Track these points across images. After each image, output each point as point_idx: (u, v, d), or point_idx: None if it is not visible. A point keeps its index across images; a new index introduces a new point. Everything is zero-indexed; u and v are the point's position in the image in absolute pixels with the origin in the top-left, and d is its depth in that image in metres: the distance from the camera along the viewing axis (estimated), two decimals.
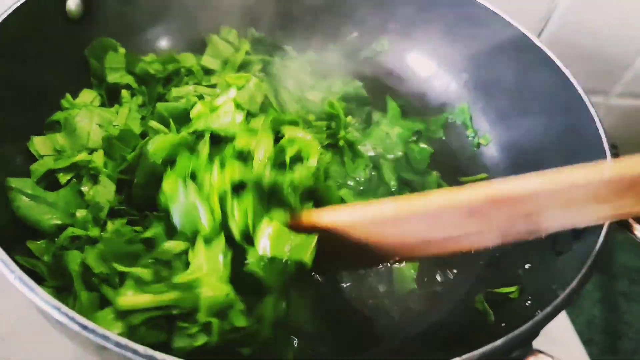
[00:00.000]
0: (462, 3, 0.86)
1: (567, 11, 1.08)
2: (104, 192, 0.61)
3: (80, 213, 0.58)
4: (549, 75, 0.75)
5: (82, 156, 0.64)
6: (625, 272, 1.13)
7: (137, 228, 0.59)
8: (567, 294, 0.48)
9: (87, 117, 0.67)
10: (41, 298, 0.41)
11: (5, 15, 0.63)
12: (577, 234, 0.61)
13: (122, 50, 0.80)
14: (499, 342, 0.43)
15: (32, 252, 0.57)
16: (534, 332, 0.45)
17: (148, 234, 0.56)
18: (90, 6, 0.76)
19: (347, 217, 0.54)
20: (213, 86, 0.80)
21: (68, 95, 0.74)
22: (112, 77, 0.76)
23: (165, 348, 0.45)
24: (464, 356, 0.42)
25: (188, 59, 0.86)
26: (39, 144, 0.65)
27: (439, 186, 0.81)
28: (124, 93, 0.75)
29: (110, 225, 0.58)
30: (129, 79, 0.78)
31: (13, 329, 0.70)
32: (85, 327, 0.40)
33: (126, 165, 0.63)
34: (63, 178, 0.63)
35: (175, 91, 0.75)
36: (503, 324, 0.61)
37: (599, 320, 1.07)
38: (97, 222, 0.59)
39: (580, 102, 0.68)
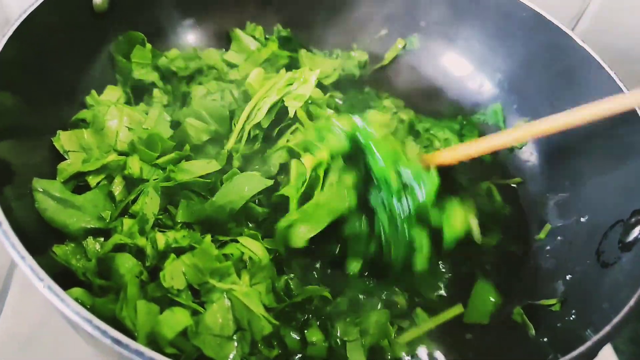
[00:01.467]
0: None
1: (601, 11, 1.05)
2: (151, 204, 0.59)
3: (127, 223, 0.57)
4: (590, 75, 0.72)
5: (113, 157, 0.62)
6: None
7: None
8: (626, 312, 0.45)
9: (117, 117, 0.65)
10: (72, 309, 0.39)
11: (32, 9, 0.62)
12: (626, 246, 0.58)
13: (148, 45, 0.78)
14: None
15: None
16: (594, 352, 0.42)
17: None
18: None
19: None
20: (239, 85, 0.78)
21: (93, 92, 0.72)
22: (138, 73, 0.74)
23: None
24: None
25: (212, 56, 0.84)
26: (65, 139, 0.63)
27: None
28: (156, 93, 0.73)
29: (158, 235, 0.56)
30: (154, 76, 0.76)
31: (35, 332, 0.69)
32: (117, 342, 0.38)
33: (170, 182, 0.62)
34: (93, 180, 0.61)
35: (196, 90, 0.73)
36: (545, 339, 0.59)
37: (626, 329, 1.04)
38: (143, 232, 0.57)
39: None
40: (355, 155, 0.62)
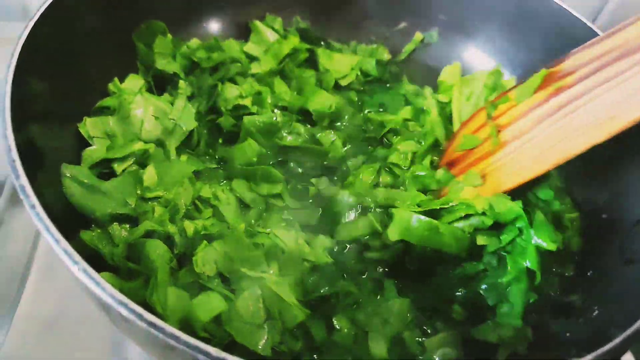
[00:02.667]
0: None
1: (619, 8, 1.04)
2: (184, 194, 0.60)
3: (158, 211, 0.58)
4: None
5: (139, 146, 0.62)
6: None
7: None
8: None
9: (142, 106, 0.66)
10: (107, 292, 0.39)
11: None
12: None
13: (169, 36, 0.78)
14: (589, 357, 0.41)
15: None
16: (624, 348, 0.42)
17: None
18: None
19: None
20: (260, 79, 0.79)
21: (116, 80, 0.72)
22: (160, 63, 0.74)
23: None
24: None
25: (232, 47, 0.84)
26: (90, 125, 0.63)
27: None
28: (182, 84, 0.73)
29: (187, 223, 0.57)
30: (176, 67, 0.76)
31: (55, 316, 0.69)
32: (153, 325, 0.38)
33: None
34: (119, 167, 0.61)
35: (228, 90, 0.73)
36: (568, 334, 0.58)
37: None
38: (173, 221, 0.57)
39: None
40: None
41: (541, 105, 0.58)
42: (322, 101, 0.75)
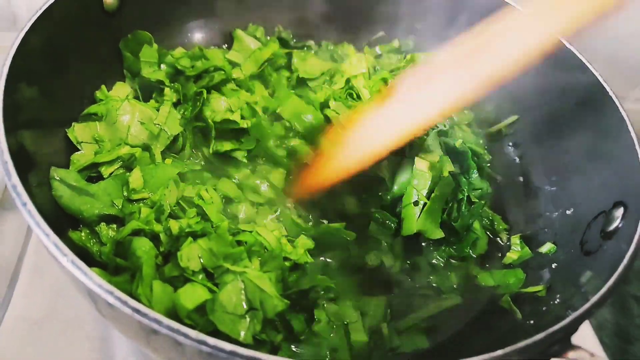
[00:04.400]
0: (490, 5, 0.86)
1: None
2: (169, 195, 0.63)
3: (144, 212, 0.61)
4: (580, 78, 0.76)
5: (126, 150, 0.65)
6: (638, 276, 1.13)
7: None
8: (604, 292, 0.49)
9: (129, 112, 0.69)
10: (94, 282, 0.42)
11: (46, 6, 0.64)
12: (607, 235, 0.62)
13: (155, 45, 0.81)
14: (540, 335, 0.44)
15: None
16: (573, 327, 0.46)
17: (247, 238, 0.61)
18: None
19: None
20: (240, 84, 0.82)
21: (103, 87, 0.75)
22: (146, 71, 0.77)
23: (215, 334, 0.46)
24: (507, 349, 0.43)
25: (215, 55, 0.87)
26: (79, 131, 0.67)
27: None
28: (167, 91, 0.76)
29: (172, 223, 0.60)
30: (161, 75, 0.79)
31: (44, 316, 0.72)
32: (137, 311, 0.41)
33: None
34: (106, 171, 0.65)
35: (216, 102, 0.76)
36: (532, 321, 0.62)
37: (611, 323, 1.07)
38: (159, 221, 0.61)
39: (612, 107, 0.69)
40: None
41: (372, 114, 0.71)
42: (293, 109, 0.78)
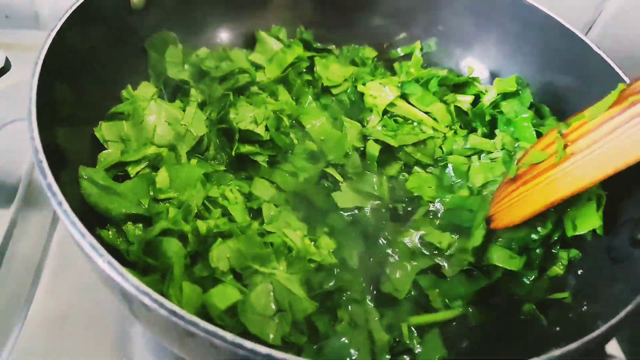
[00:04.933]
0: (514, 5, 0.86)
1: (612, 20, 1.08)
2: (196, 196, 0.63)
3: (172, 212, 0.61)
4: (606, 81, 0.75)
5: (152, 150, 0.65)
6: None
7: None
8: (635, 304, 0.48)
9: (155, 113, 0.69)
10: (131, 283, 0.42)
11: (77, 5, 0.65)
12: (637, 242, 0.61)
13: (179, 45, 0.81)
14: (574, 344, 0.44)
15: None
16: (608, 337, 0.45)
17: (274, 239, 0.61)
18: None
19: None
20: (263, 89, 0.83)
21: (129, 87, 0.75)
22: (171, 72, 0.78)
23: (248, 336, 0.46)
24: (541, 357, 0.43)
25: (239, 56, 0.88)
26: (106, 130, 0.67)
27: None
28: (193, 92, 0.77)
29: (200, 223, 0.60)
30: (186, 75, 0.80)
31: (66, 313, 0.72)
32: (174, 313, 0.41)
33: None
34: (133, 170, 0.65)
35: (242, 109, 0.76)
36: (557, 328, 0.62)
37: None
38: (187, 221, 0.61)
39: None
40: None
41: (613, 117, 0.58)
42: (323, 131, 0.80)
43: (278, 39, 0.93)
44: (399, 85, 0.86)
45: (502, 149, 0.79)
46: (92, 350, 0.70)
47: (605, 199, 0.66)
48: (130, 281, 0.42)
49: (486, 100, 0.84)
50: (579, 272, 0.68)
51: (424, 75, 0.87)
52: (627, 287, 0.55)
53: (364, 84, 0.86)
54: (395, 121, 0.83)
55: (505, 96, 0.83)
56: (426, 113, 0.84)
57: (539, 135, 0.77)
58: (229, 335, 0.40)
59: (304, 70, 0.91)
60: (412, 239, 0.71)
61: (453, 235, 0.71)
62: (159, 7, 0.79)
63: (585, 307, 0.61)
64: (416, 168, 0.81)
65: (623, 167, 0.56)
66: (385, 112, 0.84)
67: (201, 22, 0.89)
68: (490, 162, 0.78)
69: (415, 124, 0.83)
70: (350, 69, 0.92)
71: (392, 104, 0.83)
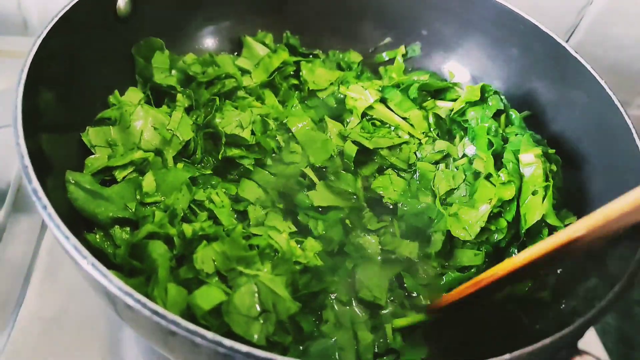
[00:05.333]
0: (496, 11, 0.88)
1: (593, 25, 1.10)
2: (182, 200, 0.65)
3: (158, 215, 0.62)
4: (583, 85, 0.77)
5: (139, 154, 0.66)
6: None
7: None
8: (611, 298, 0.50)
9: (142, 118, 0.70)
10: (114, 284, 0.43)
11: (63, 12, 0.66)
12: (611, 243, 0.63)
13: (166, 51, 0.82)
14: (547, 340, 0.45)
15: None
16: (580, 333, 0.47)
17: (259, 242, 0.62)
18: (138, 5, 0.78)
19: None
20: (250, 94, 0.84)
21: (116, 92, 0.76)
22: (158, 77, 0.79)
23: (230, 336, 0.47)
24: (514, 353, 0.44)
25: (225, 61, 0.89)
26: (93, 135, 0.68)
27: None
28: (179, 97, 0.78)
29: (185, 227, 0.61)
30: (173, 80, 0.81)
31: (57, 316, 0.73)
32: (156, 313, 0.42)
33: None
34: (120, 175, 0.66)
35: (229, 114, 0.77)
36: (537, 326, 0.63)
37: (615, 329, 1.07)
38: (173, 224, 0.62)
39: (617, 113, 0.70)
40: None
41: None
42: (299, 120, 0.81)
43: (264, 44, 0.94)
44: (380, 89, 0.87)
45: (463, 156, 0.81)
46: (82, 353, 0.71)
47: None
48: (113, 282, 0.43)
49: (455, 107, 0.85)
50: (558, 270, 0.70)
51: (405, 81, 0.88)
52: (602, 284, 0.56)
53: (347, 87, 0.88)
54: (373, 124, 0.84)
55: (472, 104, 0.84)
56: (404, 119, 0.85)
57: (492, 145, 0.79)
58: (209, 334, 0.41)
59: (291, 74, 0.92)
60: (376, 247, 0.72)
61: (414, 242, 0.73)
62: (145, 13, 0.80)
63: (563, 305, 0.63)
64: (389, 171, 0.82)
65: None
66: (364, 114, 0.85)
67: (187, 28, 0.90)
68: (453, 170, 0.80)
69: (392, 128, 0.84)
70: (336, 73, 0.94)
71: (371, 107, 0.84)
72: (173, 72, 0.83)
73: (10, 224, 0.81)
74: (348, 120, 0.85)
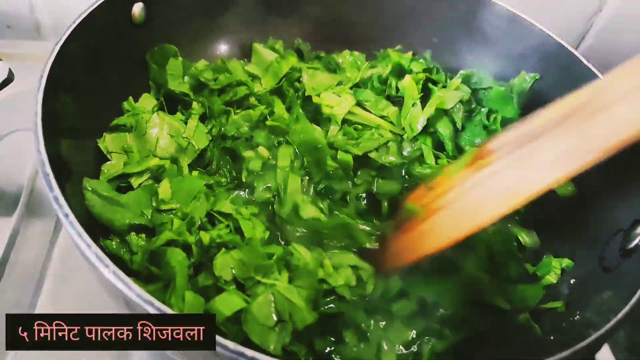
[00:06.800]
0: (506, 19, 0.88)
1: (602, 32, 1.10)
2: (200, 208, 0.65)
3: (176, 223, 0.62)
4: None
5: (155, 162, 0.67)
6: None
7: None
8: (627, 310, 0.50)
9: (158, 125, 0.71)
10: (135, 293, 0.43)
11: (81, 19, 0.66)
12: (626, 253, 0.63)
13: (180, 58, 0.83)
14: (565, 353, 0.45)
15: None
16: (598, 345, 0.47)
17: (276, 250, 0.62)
18: (153, 11, 0.79)
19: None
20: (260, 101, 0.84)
21: (131, 99, 0.77)
22: (172, 84, 0.79)
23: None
24: None
25: (236, 68, 0.89)
26: (109, 141, 0.68)
27: None
28: (195, 105, 0.78)
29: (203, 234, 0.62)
30: (185, 87, 0.81)
31: None
32: None
33: None
34: (136, 182, 0.66)
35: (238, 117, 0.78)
36: (552, 337, 0.63)
37: (622, 337, 1.07)
38: (191, 232, 0.62)
39: None
40: None
41: (467, 179, 0.65)
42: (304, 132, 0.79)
43: (274, 49, 0.94)
44: (352, 92, 0.87)
45: None
46: (93, 357, 0.71)
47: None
48: (134, 290, 0.44)
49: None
50: (572, 281, 0.70)
51: (364, 78, 0.89)
52: (617, 296, 0.57)
53: (318, 95, 0.86)
54: (355, 129, 0.83)
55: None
56: (382, 117, 0.85)
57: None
58: (231, 344, 0.42)
59: (298, 80, 0.92)
60: None
61: None
62: (159, 20, 0.81)
63: (577, 316, 0.63)
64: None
65: (477, 228, 0.60)
66: (344, 121, 0.84)
67: (200, 34, 0.91)
68: None
69: (373, 129, 0.83)
70: (335, 77, 0.93)
71: (350, 112, 0.84)
72: (185, 78, 0.83)
73: (24, 228, 0.81)
74: (328, 129, 0.83)
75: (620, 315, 0.49)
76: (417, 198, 0.71)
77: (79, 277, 0.77)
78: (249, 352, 0.41)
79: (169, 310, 0.43)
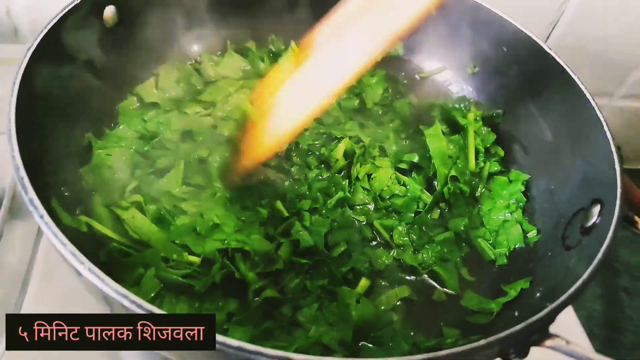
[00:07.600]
0: (473, 9, 0.90)
1: (574, 18, 1.12)
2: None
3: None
4: (558, 80, 0.80)
5: None
6: (628, 268, 1.16)
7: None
8: (579, 285, 0.53)
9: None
10: (111, 288, 0.46)
11: (52, 24, 0.68)
12: (586, 230, 0.66)
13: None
14: (519, 326, 0.48)
15: None
16: (550, 318, 0.50)
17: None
18: (124, 16, 0.81)
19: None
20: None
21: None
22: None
23: None
24: (490, 339, 0.47)
25: (207, 68, 0.93)
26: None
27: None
28: None
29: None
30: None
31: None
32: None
33: None
34: None
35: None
36: (516, 313, 0.66)
37: (600, 314, 1.10)
38: None
39: (587, 106, 0.73)
40: None
41: (293, 75, 0.70)
42: None
43: (249, 50, 0.97)
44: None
45: None
46: (81, 355, 0.73)
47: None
48: (110, 285, 0.46)
49: None
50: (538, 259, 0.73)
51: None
52: (574, 272, 0.59)
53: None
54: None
55: None
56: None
57: None
58: (234, 342, 0.43)
59: None
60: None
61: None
62: (132, 24, 0.83)
63: (539, 293, 0.66)
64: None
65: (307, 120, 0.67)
66: None
67: (172, 34, 0.92)
68: None
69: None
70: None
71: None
72: None
73: (7, 230, 0.82)
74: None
75: (570, 291, 0.52)
76: (255, 99, 0.75)
77: (63, 277, 0.78)
78: (250, 347, 0.42)
79: (144, 303, 0.45)
